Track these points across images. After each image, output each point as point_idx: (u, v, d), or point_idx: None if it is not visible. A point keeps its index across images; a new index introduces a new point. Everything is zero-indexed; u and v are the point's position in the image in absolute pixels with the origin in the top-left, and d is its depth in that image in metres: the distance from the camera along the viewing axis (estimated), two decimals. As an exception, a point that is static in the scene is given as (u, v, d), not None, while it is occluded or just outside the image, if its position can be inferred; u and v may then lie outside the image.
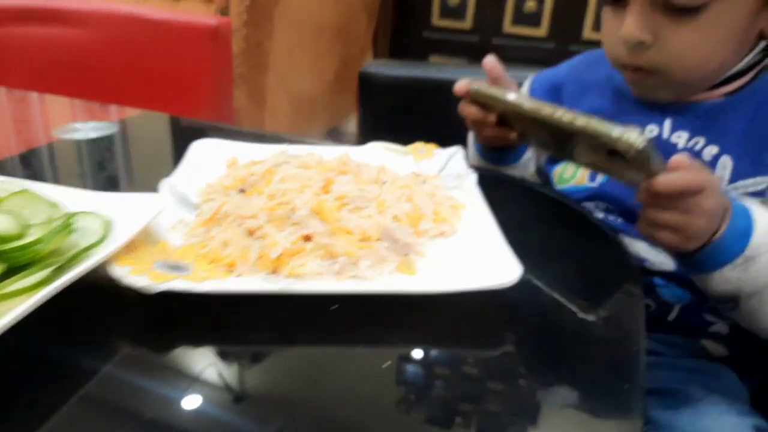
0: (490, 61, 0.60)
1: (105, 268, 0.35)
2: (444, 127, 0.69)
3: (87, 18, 1.25)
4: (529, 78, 0.73)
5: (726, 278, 0.47)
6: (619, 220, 0.60)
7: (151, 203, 0.41)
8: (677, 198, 0.43)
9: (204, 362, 0.33)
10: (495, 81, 0.60)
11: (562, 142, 0.49)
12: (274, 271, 0.38)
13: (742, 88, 0.56)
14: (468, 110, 0.58)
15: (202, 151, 0.54)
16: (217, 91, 1.22)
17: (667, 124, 0.58)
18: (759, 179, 0.54)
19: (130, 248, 0.38)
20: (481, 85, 0.55)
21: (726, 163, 0.54)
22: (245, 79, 1.69)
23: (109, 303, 0.37)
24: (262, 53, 1.76)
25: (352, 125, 2.45)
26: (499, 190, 0.50)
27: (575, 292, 0.42)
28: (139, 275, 0.35)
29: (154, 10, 1.26)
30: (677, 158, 0.42)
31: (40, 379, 0.31)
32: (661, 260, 0.57)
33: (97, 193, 0.43)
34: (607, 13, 0.56)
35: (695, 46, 0.51)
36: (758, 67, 0.55)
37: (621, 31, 0.52)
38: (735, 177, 0.54)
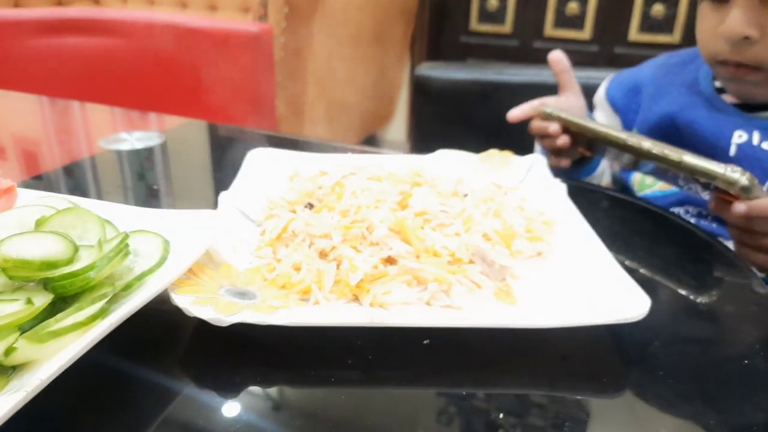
0: (557, 54, 0.59)
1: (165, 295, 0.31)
2: (503, 133, 0.64)
3: (127, 27, 1.23)
4: (606, 80, 0.68)
5: None
6: (714, 225, 0.56)
7: (211, 221, 0.37)
8: None
9: (273, 405, 0.28)
10: (560, 74, 0.59)
11: (637, 160, 0.49)
12: (355, 299, 0.33)
13: None
14: (539, 127, 0.56)
15: (259, 161, 0.49)
16: (259, 98, 1.19)
17: (757, 132, 0.54)
18: None
19: (190, 272, 0.33)
20: (554, 109, 0.55)
21: None
22: (283, 87, 1.66)
23: (167, 333, 0.32)
24: (300, 61, 1.73)
25: (389, 133, 2.40)
26: (583, 200, 0.45)
27: (701, 317, 0.36)
28: (204, 305, 0.30)
29: (194, 18, 1.24)
30: None
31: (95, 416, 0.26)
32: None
33: (152, 209, 0.39)
34: (705, 8, 0.52)
35: None
36: None
37: (724, 26, 0.49)
38: None
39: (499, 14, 2.16)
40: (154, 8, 2.57)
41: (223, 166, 0.60)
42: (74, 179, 0.55)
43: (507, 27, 2.17)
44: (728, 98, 0.56)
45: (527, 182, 0.49)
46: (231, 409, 0.28)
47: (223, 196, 0.42)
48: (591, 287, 0.33)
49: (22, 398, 0.23)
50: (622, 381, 0.31)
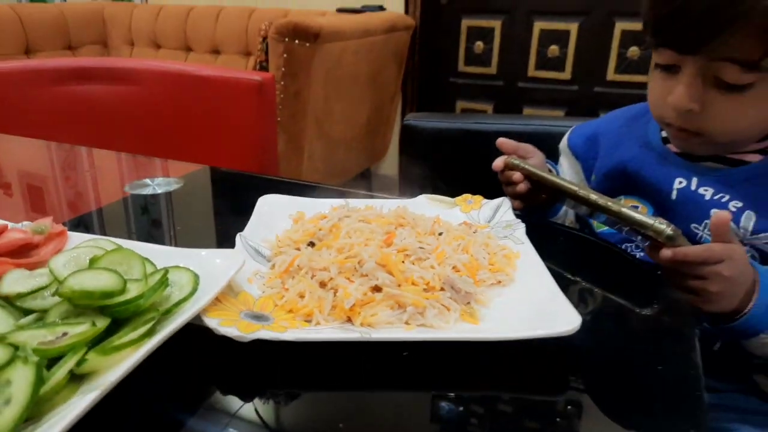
0: (499, 141, 0.67)
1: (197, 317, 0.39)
2: (481, 174, 0.73)
3: (140, 75, 1.34)
4: (570, 130, 0.77)
5: (763, 343, 0.50)
6: None
7: (232, 257, 0.45)
8: (696, 266, 0.48)
9: (283, 402, 0.36)
10: (514, 153, 0.66)
11: (592, 211, 0.57)
12: (348, 320, 0.41)
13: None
14: (505, 175, 0.64)
15: (268, 205, 0.58)
16: (263, 139, 1.29)
17: (695, 178, 0.62)
18: None
19: (215, 299, 0.41)
20: (518, 161, 0.63)
21: (750, 216, 0.58)
22: (284, 126, 1.76)
23: (198, 348, 0.40)
24: (299, 102, 1.84)
25: (382, 167, 2.50)
26: (544, 237, 0.53)
27: (630, 336, 0.44)
28: (229, 326, 0.38)
29: (202, 67, 1.35)
30: (716, 221, 0.49)
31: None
32: None
33: (181, 249, 0.47)
34: (657, 75, 0.59)
35: (739, 118, 0.54)
36: None
37: (671, 97, 0.56)
38: (757, 229, 0.58)
39: (485, 57, 2.30)
40: (160, 52, 2.70)
41: (236, 208, 0.68)
42: (109, 221, 0.64)
43: (492, 68, 2.30)
44: (673, 148, 0.65)
45: (494, 222, 0.57)
46: (248, 407, 0.36)
47: (239, 236, 0.50)
48: (537, 309, 0.42)
49: (98, 395, 0.31)
50: (563, 382, 0.39)
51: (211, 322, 0.38)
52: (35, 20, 2.60)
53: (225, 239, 0.51)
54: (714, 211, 0.52)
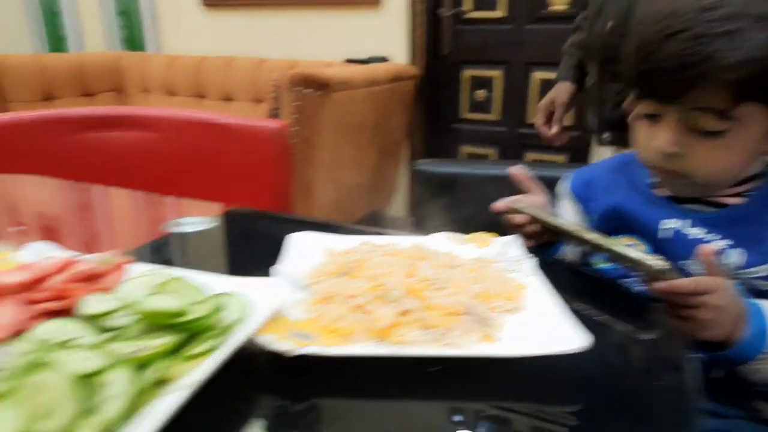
0: (514, 170, 0.74)
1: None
2: (487, 214, 0.79)
3: (160, 123, 1.43)
4: (570, 174, 0.84)
5: (756, 369, 0.57)
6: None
7: (276, 285, 0.51)
8: (687, 297, 0.54)
9: (329, 408, 0.42)
10: (523, 184, 0.73)
11: (592, 249, 0.63)
12: (382, 340, 0.47)
13: (751, 190, 0.66)
14: (510, 218, 0.71)
15: (297, 241, 0.65)
16: (278, 182, 1.36)
17: (682, 220, 0.68)
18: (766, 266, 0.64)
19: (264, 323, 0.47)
20: (522, 206, 0.69)
21: (740, 253, 0.64)
22: (295, 171, 1.84)
23: (250, 362, 0.46)
24: (309, 148, 1.93)
25: (391, 209, 2.58)
26: (550, 271, 0.59)
27: (628, 360, 0.50)
28: (282, 341, 0.44)
29: (221, 115, 1.44)
30: (701, 252, 0.55)
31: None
32: None
33: (229, 277, 0.53)
34: (641, 125, 0.66)
35: (718, 160, 0.61)
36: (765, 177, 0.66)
37: (654, 142, 0.63)
38: (747, 265, 0.64)
39: (486, 104, 2.41)
40: (175, 99, 2.82)
41: (265, 244, 0.75)
42: (155, 255, 0.70)
43: (494, 115, 2.41)
44: (660, 192, 0.72)
45: (505, 257, 0.64)
46: (297, 412, 0.41)
47: (274, 269, 0.56)
48: (549, 330, 0.48)
49: (184, 395, 0.37)
50: (574, 395, 0.45)
51: (266, 339, 0.44)
52: (55, 69, 2.73)
53: (258, 271, 0.57)
54: (698, 246, 0.58)
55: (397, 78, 2.28)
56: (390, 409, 0.43)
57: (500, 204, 0.71)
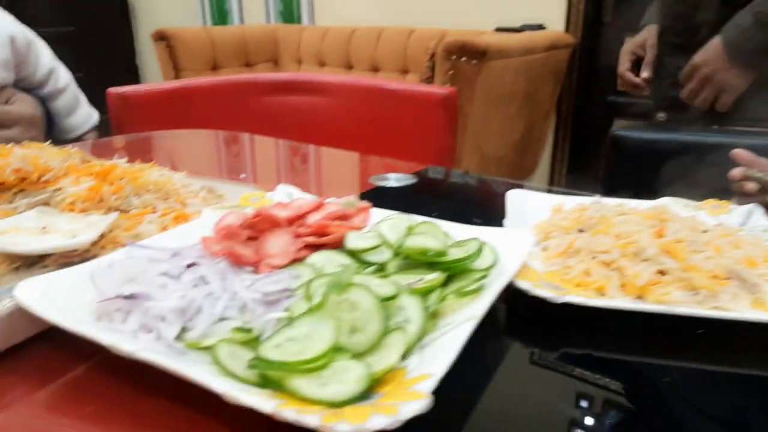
0: (738, 152, 0.68)
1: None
2: (694, 186, 0.73)
3: (336, 88, 1.49)
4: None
5: None
6: None
7: (519, 235, 0.52)
8: None
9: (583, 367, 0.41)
10: (753, 164, 0.67)
11: None
12: (639, 297, 0.46)
13: None
14: (737, 186, 0.65)
15: (516, 198, 0.64)
16: (443, 149, 1.38)
17: None
18: None
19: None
20: (760, 175, 0.64)
21: None
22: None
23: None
24: (460, 118, 1.92)
25: (531, 183, 2.51)
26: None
27: None
28: (541, 289, 0.44)
29: (391, 81, 1.47)
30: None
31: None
32: None
33: (472, 227, 0.54)
34: None
35: None
36: None
37: None
38: None
39: (650, 76, 2.23)
40: (324, 69, 2.94)
41: (466, 202, 0.76)
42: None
43: (658, 88, 2.23)
44: None
45: (748, 226, 0.59)
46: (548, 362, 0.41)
47: (506, 221, 0.57)
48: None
49: (473, 324, 0.38)
50: None
51: (525, 284, 0.45)
52: (222, 40, 2.97)
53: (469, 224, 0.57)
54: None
55: (552, 47, 2.18)
56: (644, 371, 0.42)
57: (737, 171, 0.65)
